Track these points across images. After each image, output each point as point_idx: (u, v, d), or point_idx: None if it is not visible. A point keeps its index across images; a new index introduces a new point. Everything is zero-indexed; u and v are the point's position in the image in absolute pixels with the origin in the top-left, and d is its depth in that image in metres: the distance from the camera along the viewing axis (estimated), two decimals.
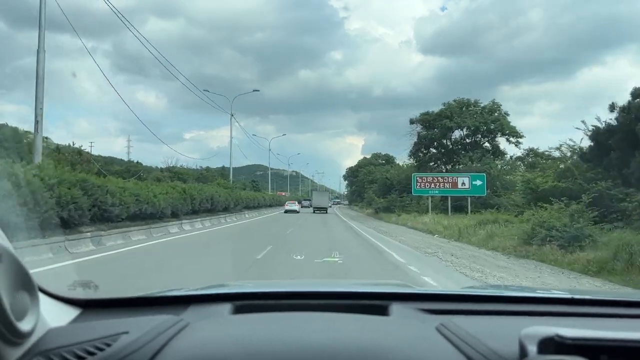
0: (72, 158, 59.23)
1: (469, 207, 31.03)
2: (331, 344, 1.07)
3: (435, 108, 42.27)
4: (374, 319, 1.32)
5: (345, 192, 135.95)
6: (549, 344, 0.89)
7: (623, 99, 17.12)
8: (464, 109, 40.46)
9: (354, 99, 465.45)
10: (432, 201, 33.41)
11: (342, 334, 1.14)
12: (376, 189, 53.07)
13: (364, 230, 25.72)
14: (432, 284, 8.65)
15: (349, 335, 1.13)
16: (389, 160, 76.97)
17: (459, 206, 32.54)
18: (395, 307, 1.42)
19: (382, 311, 1.41)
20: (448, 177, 32.72)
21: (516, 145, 40.28)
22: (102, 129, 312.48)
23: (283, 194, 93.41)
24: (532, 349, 0.89)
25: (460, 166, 38.48)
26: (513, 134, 39.85)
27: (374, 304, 1.49)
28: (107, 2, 20.57)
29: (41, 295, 1.10)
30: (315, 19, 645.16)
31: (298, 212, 48.88)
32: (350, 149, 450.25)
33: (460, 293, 1.69)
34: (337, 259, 11.46)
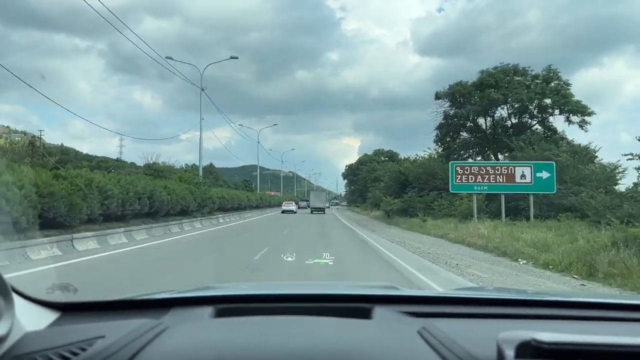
0: (23, 151, 49.59)
1: (532, 209, 21.42)
2: (311, 348, 1.05)
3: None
4: (356, 323, 1.29)
5: (344, 193, 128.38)
6: (526, 348, 0.87)
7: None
8: (508, 78, 29.39)
9: (351, 100, 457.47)
10: (471, 200, 23.80)
11: (323, 338, 1.12)
12: (384, 187, 43.08)
13: (386, 247, 15.95)
14: None
15: (330, 339, 1.11)
16: (392, 157, 70.92)
17: (513, 208, 22.93)
18: (379, 310, 1.38)
19: (366, 314, 1.37)
20: (501, 167, 22.88)
21: (581, 127, 28.87)
22: (98, 130, 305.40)
23: (272, 193, 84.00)
24: (509, 353, 0.88)
25: (507, 153, 28.63)
26: (579, 110, 28.27)
27: (357, 306, 1.44)
28: (90, 5, 19.48)
29: (19, 299, 1.09)
30: (312, 19, 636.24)
31: (295, 213, 47.66)
32: (346, 149, 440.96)
33: (443, 295, 1.64)
34: None
